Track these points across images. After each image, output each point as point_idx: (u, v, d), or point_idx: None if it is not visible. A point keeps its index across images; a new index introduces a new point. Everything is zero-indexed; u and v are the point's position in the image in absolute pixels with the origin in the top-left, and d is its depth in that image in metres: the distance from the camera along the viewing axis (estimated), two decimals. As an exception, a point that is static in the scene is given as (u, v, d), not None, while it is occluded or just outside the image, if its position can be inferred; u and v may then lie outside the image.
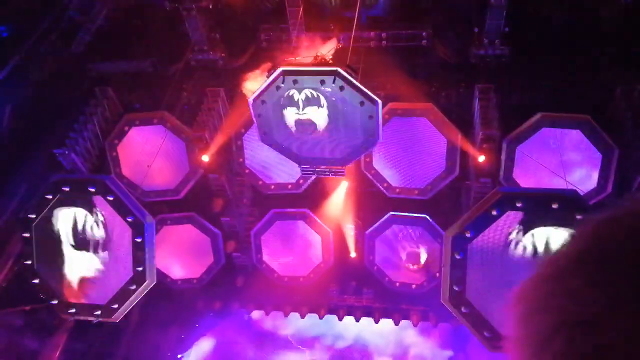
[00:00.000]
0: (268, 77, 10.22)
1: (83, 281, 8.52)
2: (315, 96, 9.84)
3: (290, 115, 9.97)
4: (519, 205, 8.84)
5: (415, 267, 12.97)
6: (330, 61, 11.12)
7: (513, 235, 8.79)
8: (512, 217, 8.94)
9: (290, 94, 9.85)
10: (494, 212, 8.87)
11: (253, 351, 14.06)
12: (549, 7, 12.09)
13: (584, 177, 11.81)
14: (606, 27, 11.73)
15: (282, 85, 10.06)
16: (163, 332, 13.51)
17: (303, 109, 9.86)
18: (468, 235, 8.83)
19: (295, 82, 9.97)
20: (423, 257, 12.97)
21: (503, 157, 11.97)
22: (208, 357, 14.16)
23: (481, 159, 11.82)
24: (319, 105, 9.88)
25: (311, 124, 10.05)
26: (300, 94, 9.83)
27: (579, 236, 0.91)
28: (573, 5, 12.01)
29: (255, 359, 13.89)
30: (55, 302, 8.50)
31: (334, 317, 14.04)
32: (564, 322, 0.84)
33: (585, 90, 11.76)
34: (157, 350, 13.42)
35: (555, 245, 8.69)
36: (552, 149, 11.85)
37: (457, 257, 8.77)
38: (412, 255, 12.98)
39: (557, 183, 11.76)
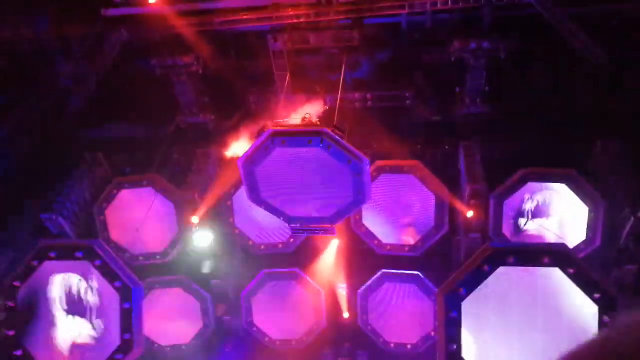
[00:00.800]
0: (257, 138, 10.41)
1: (69, 351, 8.23)
2: None
3: None
4: (510, 260, 8.87)
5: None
6: (318, 122, 11.38)
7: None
8: (504, 272, 8.96)
9: None
10: (486, 268, 8.88)
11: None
12: (527, 67, 12.62)
13: (572, 231, 11.91)
14: (582, 85, 12.21)
15: (271, 145, 10.24)
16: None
17: None
18: (461, 292, 8.78)
19: (283, 142, 10.16)
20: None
21: (491, 212, 12.10)
22: None
23: (469, 214, 11.94)
24: None
25: None
26: None
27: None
28: (550, 64, 12.54)
29: None
30: (38, 375, 8.17)
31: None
32: None
33: (565, 145, 12.08)
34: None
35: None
36: (539, 203, 12.03)
37: (451, 315, 8.68)
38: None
39: (546, 237, 11.87)
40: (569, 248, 9.30)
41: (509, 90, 12.85)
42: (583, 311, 8.34)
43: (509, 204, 12.15)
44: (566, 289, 8.56)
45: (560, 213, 11.99)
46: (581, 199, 11.72)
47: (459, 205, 12.22)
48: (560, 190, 11.93)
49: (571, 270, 8.56)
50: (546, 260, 8.65)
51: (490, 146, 12.75)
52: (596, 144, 12.26)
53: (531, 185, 12.07)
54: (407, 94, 13.22)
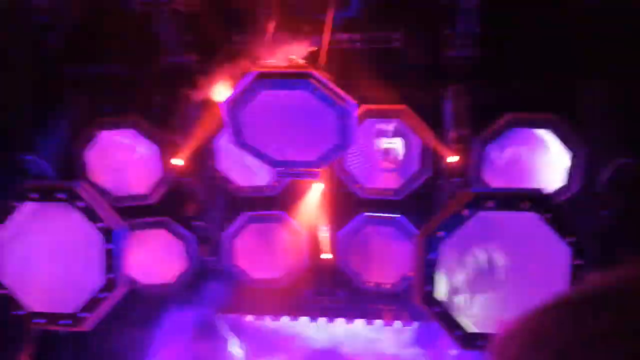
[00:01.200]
0: (241, 80, 10.23)
1: (52, 290, 8.35)
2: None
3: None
4: (490, 205, 9.03)
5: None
6: (304, 63, 11.16)
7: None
8: (483, 217, 9.14)
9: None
10: (465, 212, 9.04)
11: (225, 354, 13.97)
12: (518, 10, 12.33)
13: (551, 176, 12.07)
14: (571, 28, 12.01)
15: (256, 87, 10.10)
16: (135, 337, 13.32)
17: None
18: (440, 235, 8.98)
19: (268, 84, 10.02)
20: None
21: (473, 157, 12.18)
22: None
23: (453, 159, 12.00)
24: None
25: None
26: None
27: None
28: (541, 4, 12.25)
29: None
30: (22, 312, 8.30)
31: (307, 319, 14.09)
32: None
33: (553, 90, 12.02)
34: (128, 356, 13.23)
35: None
36: (521, 149, 12.11)
37: (430, 257, 8.91)
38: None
39: (526, 183, 12.03)
40: (547, 193, 9.47)
41: (500, 34, 12.60)
42: (558, 256, 8.61)
43: (492, 149, 12.21)
44: (543, 234, 8.79)
45: (542, 159, 12.10)
46: (563, 145, 11.81)
47: (444, 149, 12.26)
48: (544, 135, 11.99)
49: (549, 216, 8.76)
50: (525, 205, 8.83)
51: (478, 91, 12.65)
52: (583, 88, 12.18)
53: (515, 130, 12.10)
54: (396, 36, 12.91)
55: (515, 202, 8.95)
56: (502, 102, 12.45)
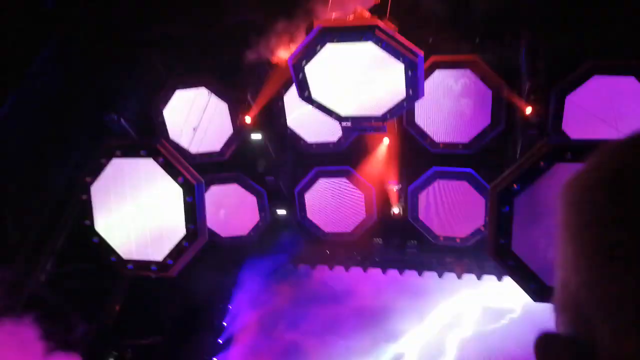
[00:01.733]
0: (306, 35, 10.20)
1: (140, 239, 8.99)
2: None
3: None
4: (568, 157, 8.64)
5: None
6: (369, 16, 10.93)
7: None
8: (561, 169, 8.77)
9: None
10: (542, 164, 8.71)
11: (299, 303, 14.57)
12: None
13: (637, 126, 11.31)
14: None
15: (322, 42, 10.04)
16: (214, 285, 14.17)
17: None
18: (514, 188, 8.74)
19: (334, 38, 9.92)
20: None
21: (551, 108, 11.61)
22: (256, 309, 14.79)
23: (528, 110, 11.50)
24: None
25: None
26: None
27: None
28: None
29: (301, 311, 14.39)
30: (114, 259, 9.02)
31: (378, 271, 14.35)
32: None
33: (636, 35, 11.12)
34: (209, 302, 14.15)
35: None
36: (604, 98, 11.39)
37: (503, 210, 8.72)
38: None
39: (609, 134, 11.35)
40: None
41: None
42: None
43: (572, 99, 11.58)
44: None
45: (626, 107, 11.35)
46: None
47: (518, 101, 11.76)
48: (628, 83, 11.19)
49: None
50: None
51: (555, 38, 11.92)
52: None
53: (596, 78, 11.37)
54: (466, -18, 12.29)
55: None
56: (581, 50, 11.70)
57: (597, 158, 0.86)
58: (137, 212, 8.89)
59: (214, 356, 13.92)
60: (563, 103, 11.64)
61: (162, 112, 13.19)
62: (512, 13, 12.28)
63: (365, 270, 14.46)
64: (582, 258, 0.78)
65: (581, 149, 8.75)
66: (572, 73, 11.47)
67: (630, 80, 11.20)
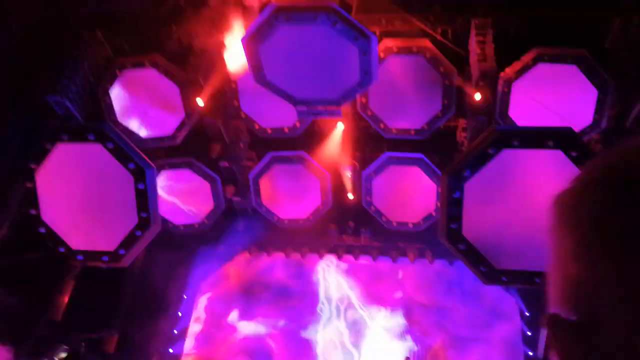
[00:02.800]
0: (260, 14, 10.01)
1: (90, 228, 8.68)
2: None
3: None
4: (515, 143, 8.97)
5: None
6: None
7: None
8: (508, 155, 9.10)
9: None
10: (490, 151, 9.01)
11: (256, 291, 14.56)
12: None
13: (579, 114, 11.86)
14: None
15: (275, 22, 9.89)
16: (167, 274, 13.91)
17: None
18: (465, 174, 9.01)
19: (288, 18, 9.79)
20: None
21: (499, 94, 11.96)
22: (212, 298, 14.67)
23: (477, 96, 11.79)
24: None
25: None
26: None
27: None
28: None
29: (259, 299, 14.40)
30: (62, 249, 8.69)
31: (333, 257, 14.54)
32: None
33: (582, 23, 11.57)
34: (163, 292, 13.88)
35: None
36: (548, 86, 11.83)
37: (454, 195, 8.99)
38: None
39: (553, 121, 11.84)
40: (573, 131, 9.34)
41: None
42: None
43: (518, 86, 11.96)
44: (568, 172, 8.76)
45: (569, 95, 11.85)
46: (591, 81, 11.51)
47: (468, 87, 12.04)
48: (571, 71, 11.67)
49: (574, 153, 8.69)
50: (550, 143, 8.75)
51: (503, 24, 12.23)
52: (614, 22, 11.71)
53: (541, 66, 11.78)
54: (419, -34, 12.37)
55: (540, 140, 8.88)
56: (527, 35, 12.06)
57: (603, 162, 0.95)
58: (86, 200, 8.56)
59: (170, 347, 13.72)
60: (510, 90, 12.00)
61: (109, 94, 12.65)
62: None
63: (321, 256, 14.58)
64: (583, 247, 0.87)
65: (527, 136, 9.13)
66: (518, 60, 11.80)
67: (572, 68, 11.67)
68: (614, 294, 0.81)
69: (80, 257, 8.67)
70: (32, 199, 8.64)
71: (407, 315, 13.76)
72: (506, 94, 11.98)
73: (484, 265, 8.46)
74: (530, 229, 8.54)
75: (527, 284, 8.68)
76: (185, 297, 14.34)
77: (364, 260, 14.54)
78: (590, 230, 0.87)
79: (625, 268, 0.80)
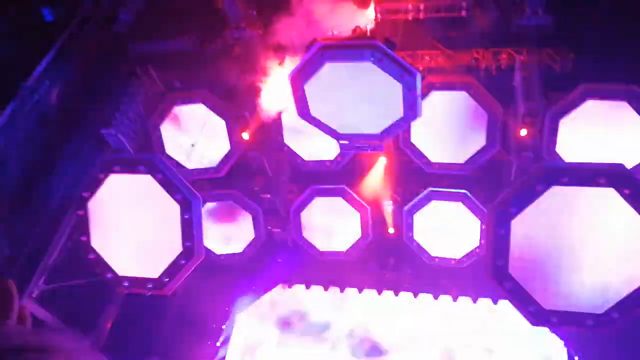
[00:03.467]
0: (306, 52, 10.28)
1: (136, 256, 8.90)
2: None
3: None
4: (563, 180, 8.72)
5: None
6: (368, 34, 11.05)
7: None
8: (556, 192, 8.84)
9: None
10: (538, 187, 8.78)
11: (292, 324, 14.45)
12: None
13: (630, 150, 11.47)
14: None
15: (321, 59, 10.13)
16: (208, 303, 14.03)
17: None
18: (511, 210, 8.79)
19: (333, 56, 10.02)
20: None
21: (546, 130, 11.74)
22: (249, 329, 14.65)
23: (523, 132, 11.63)
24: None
25: None
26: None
27: None
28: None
29: (296, 331, 14.27)
30: (110, 276, 8.91)
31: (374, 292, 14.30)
32: None
33: (632, 61, 11.33)
34: (203, 320, 13.98)
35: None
36: (597, 122, 11.54)
37: (500, 232, 8.76)
38: None
39: (603, 158, 11.47)
40: (626, 168, 9.02)
41: (572, 1, 11.97)
42: (637, 233, 8.24)
43: (566, 122, 11.72)
44: (621, 210, 8.41)
45: (619, 131, 11.50)
46: (641, 119, 11.17)
47: (513, 123, 11.89)
48: (622, 107, 11.36)
49: (627, 192, 8.37)
50: (602, 180, 8.46)
51: (550, 60, 12.13)
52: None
53: (590, 103, 11.53)
54: (464, 4, 12.51)
55: (591, 177, 8.60)
56: (576, 74, 11.89)
57: None
58: (133, 229, 8.81)
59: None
60: (557, 126, 11.77)
61: (159, 128, 13.16)
62: (509, 34, 12.50)
63: (360, 291, 14.40)
64: None
65: (577, 172, 8.87)
66: (566, 96, 11.61)
67: (622, 104, 11.37)
68: None
69: (125, 283, 8.85)
70: (83, 226, 8.96)
71: (448, 355, 13.31)
72: (553, 130, 11.74)
73: (531, 305, 8.14)
74: (581, 268, 8.20)
75: (577, 326, 8.26)
76: (223, 327, 14.38)
77: (405, 297, 14.25)
78: None
79: None
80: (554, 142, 11.82)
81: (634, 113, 11.23)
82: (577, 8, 11.95)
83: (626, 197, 8.40)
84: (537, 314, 8.09)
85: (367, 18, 12.16)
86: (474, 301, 13.72)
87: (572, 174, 8.79)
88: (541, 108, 11.65)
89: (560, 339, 12.82)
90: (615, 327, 7.97)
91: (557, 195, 8.82)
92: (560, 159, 11.75)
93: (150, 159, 8.76)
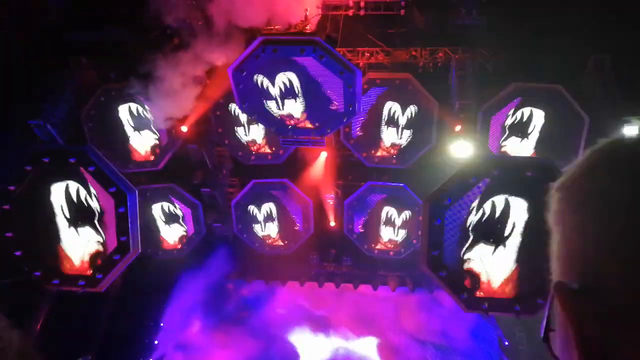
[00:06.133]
0: (247, 46, 10.22)
1: (66, 252, 8.53)
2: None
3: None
4: (495, 172, 9.16)
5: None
6: (310, 30, 11.11)
7: (475, 203, 9.13)
8: (487, 185, 9.27)
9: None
10: (471, 180, 9.18)
11: (235, 320, 14.33)
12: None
13: (554, 147, 12.13)
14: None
15: (262, 54, 10.10)
16: (145, 300, 13.62)
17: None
18: (445, 202, 9.14)
19: (275, 51, 10.02)
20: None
21: (478, 127, 12.22)
22: (190, 325, 14.39)
23: (458, 128, 12.06)
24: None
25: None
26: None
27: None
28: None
29: (238, 328, 14.16)
30: (38, 273, 8.49)
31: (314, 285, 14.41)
32: None
33: (559, 60, 11.98)
34: (140, 317, 13.56)
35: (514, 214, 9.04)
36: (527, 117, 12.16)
37: (435, 223, 9.08)
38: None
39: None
40: (553, 161, 9.57)
41: (505, 3, 12.51)
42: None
43: (497, 119, 12.27)
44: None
45: (544, 129, 12.17)
46: (566, 116, 11.86)
47: (449, 119, 12.30)
48: (547, 106, 12.02)
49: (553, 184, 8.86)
50: (529, 172, 8.95)
51: (483, 59, 12.63)
52: (589, 59, 12.17)
53: (519, 101, 12.12)
54: (402, 3, 12.79)
55: (519, 169, 9.07)
56: (506, 71, 12.44)
57: (603, 148, 1.03)
58: (71, 226, 8.45)
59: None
60: (489, 123, 12.28)
61: (93, 119, 12.62)
62: (444, 33, 12.91)
63: (302, 284, 14.46)
64: (588, 221, 0.96)
65: (507, 165, 9.34)
66: (497, 94, 12.13)
67: (547, 103, 12.02)
68: (618, 256, 0.90)
69: (55, 281, 8.47)
70: (9, 221, 8.48)
71: (387, 341, 13.65)
72: (485, 126, 12.25)
73: (464, 292, 8.50)
74: (510, 254, 8.66)
75: (507, 312, 8.71)
76: (162, 324, 14.03)
77: (345, 288, 14.46)
78: (595, 204, 0.96)
79: (629, 233, 0.89)
80: (486, 138, 12.35)
81: (558, 111, 11.91)
82: (508, 9, 12.49)
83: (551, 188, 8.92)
84: (469, 301, 8.47)
85: (309, 13, 12.19)
86: (411, 291, 14.12)
87: (503, 166, 9.26)
88: (474, 105, 12.11)
89: (491, 325, 13.46)
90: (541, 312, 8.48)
91: (488, 187, 9.25)
92: (492, 153, 12.29)
93: (82, 150, 8.44)
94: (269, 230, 13.87)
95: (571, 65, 12.14)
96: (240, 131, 12.98)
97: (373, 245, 13.56)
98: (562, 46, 11.71)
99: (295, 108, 10.62)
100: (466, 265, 8.88)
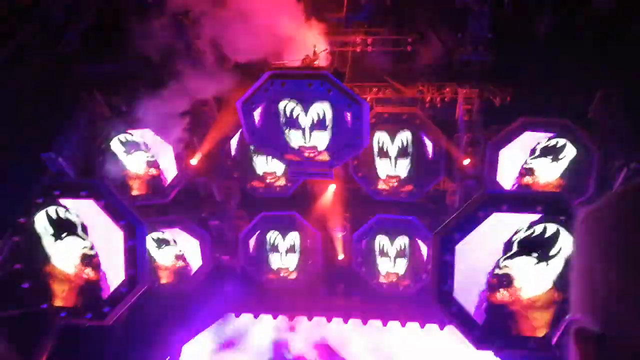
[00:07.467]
0: (257, 79, 10.38)
1: (74, 285, 8.51)
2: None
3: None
4: (504, 207, 9.12)
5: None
6: (319, 65, 11.28)
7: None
8: (497, 219, 9.21)
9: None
10: (480, 214, 9.13)
11: (241, 353, 14.11)
12: (531, 15, 12.42)
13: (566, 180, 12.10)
14: (585, 33, 12.08)
15: (270, 87, 10.25)
16: (152, 333, 13.45)
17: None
18: (455, 236, 9.07)
19: (283, 84, 10.17)
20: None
21: (487, 160, 12.24)
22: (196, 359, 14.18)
23: (466, 162, 12.09)
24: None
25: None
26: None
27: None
28: (554, 12, 12.35)
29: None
30: (45, 305, 8.46)
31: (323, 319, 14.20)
32: None
33: (567, 94, 12.07)
34: (147, 350, 13.37)
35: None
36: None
37: (445, 257, 9.00)
38: None
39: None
40: (563, 195, 9.53)
41: (512, 38, 12.69)
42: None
43: (505, 152, 12.28)
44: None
45: (555, 162, 12.15)
46: (576, 149, 11.87)
47: (457, 152, 12.35)
48: (557, 139, 12.04)
49: (562, 218, 8.81)
50: (539, 207, 8.90)
51: (490, 94, 12.74)
52: (597, 93, 12.23)
53: (528, 135, 12.16)
54: (409, 39, 13.02)
55: (529, 205, 9.03)
56: (515, 105, 12.53)
57: (626, 186, 1.00)
58: (76, 258, 8.46)
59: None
60: (497, 157, 12.30)
61: (103, 152, 12.77)
62: (451, 69, 13.07)
63: (310, 319, 14.25)
64: (610, 258, 0.92)
65: (515, 200, 9.30)
66: (505, 128, 12.19)
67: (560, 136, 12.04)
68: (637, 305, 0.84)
69: (63, 313, 8.42)
70: (18, 253, 8.50)
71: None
72: (493, 160, 12.25)
73: (476, 329, 8.34)
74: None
75: (521, 349, 8.51)
76: (168, 358, 13.81)
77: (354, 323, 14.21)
78: (616, 241, 0.92)
79: None
80: (495, 171, 12.35)
81: (571, 144, 11.90)
82: (515, 45, 12.68)
83: (562, 224, 8.85)
84: (481, 338, 8.29)
85: (317, 49, 12.42)
86: (422, 326, 13.86)
87: (511, 201, 9.22)
88: (482, 138, 12.17)
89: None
90: (556, 349, 8.27)
91: (497, 221, 9.19)
92: (501, 187, 12.26)
93: (93, 184, 8.51)
94: (288, 262, 13.66)
95: (579, 99, 12.21)
96: (258, 161, 13.00)
97: (377, 280, 13.40)
98: (570, 80, 11.83)
99: (321, 140, 10.57)
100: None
